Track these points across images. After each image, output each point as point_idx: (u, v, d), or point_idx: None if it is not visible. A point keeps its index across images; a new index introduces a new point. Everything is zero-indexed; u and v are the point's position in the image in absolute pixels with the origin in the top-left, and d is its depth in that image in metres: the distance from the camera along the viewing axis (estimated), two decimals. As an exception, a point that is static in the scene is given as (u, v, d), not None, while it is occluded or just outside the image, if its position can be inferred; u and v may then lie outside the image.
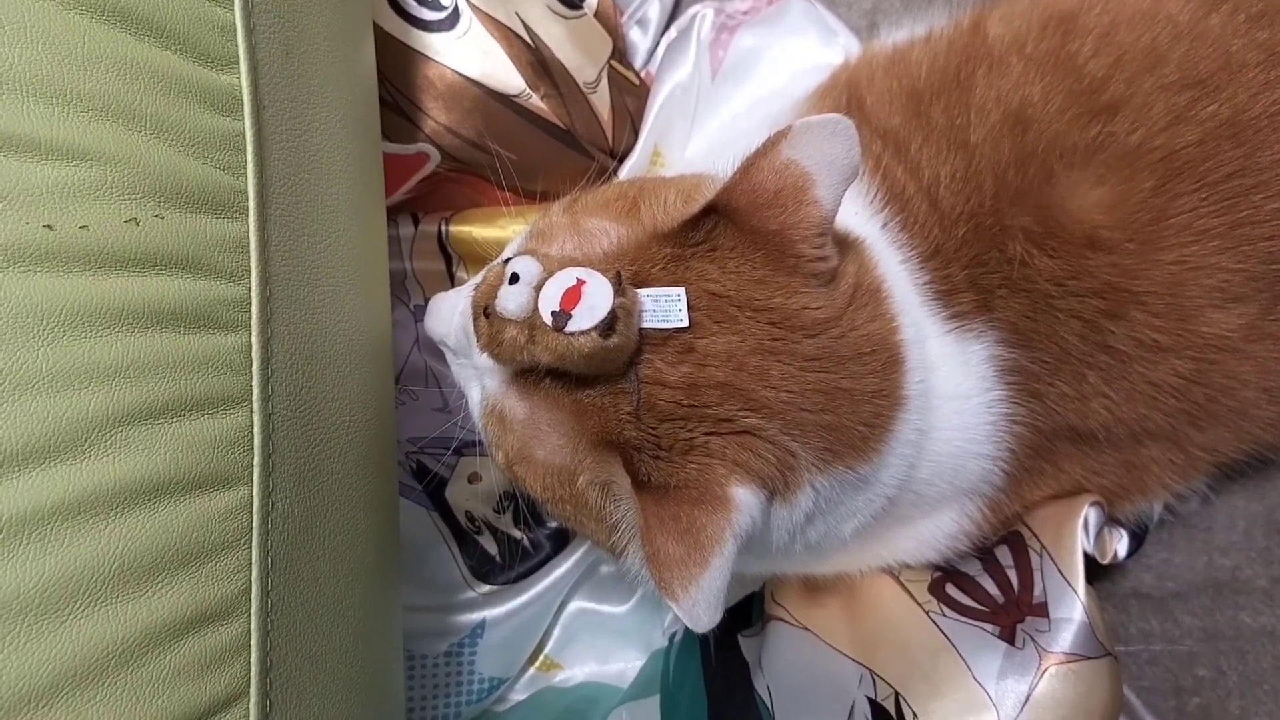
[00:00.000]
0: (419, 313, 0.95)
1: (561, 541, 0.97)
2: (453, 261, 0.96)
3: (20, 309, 0.45)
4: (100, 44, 0.49)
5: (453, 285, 0.96)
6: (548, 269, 0.57)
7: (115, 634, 0.46)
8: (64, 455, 0.46)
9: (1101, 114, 0.69)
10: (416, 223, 0.94)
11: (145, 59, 0.50)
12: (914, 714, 0.70)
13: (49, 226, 0.46)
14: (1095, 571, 0.81)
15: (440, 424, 0.94)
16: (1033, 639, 0.70)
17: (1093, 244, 0.67)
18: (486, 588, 0.97)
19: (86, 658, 0.45)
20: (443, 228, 0.94)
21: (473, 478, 0.97)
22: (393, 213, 0.93)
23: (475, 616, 0.96)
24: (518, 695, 0.99)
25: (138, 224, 0.49)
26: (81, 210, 0.47)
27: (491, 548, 0.97)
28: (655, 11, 1.04)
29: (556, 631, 1.00)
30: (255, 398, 0.53)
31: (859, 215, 0.71)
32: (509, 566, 0.97)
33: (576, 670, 1.00)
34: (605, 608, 1.00)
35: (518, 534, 0.97)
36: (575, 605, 1.00)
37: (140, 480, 0.48)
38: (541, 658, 1.00)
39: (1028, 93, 0.71)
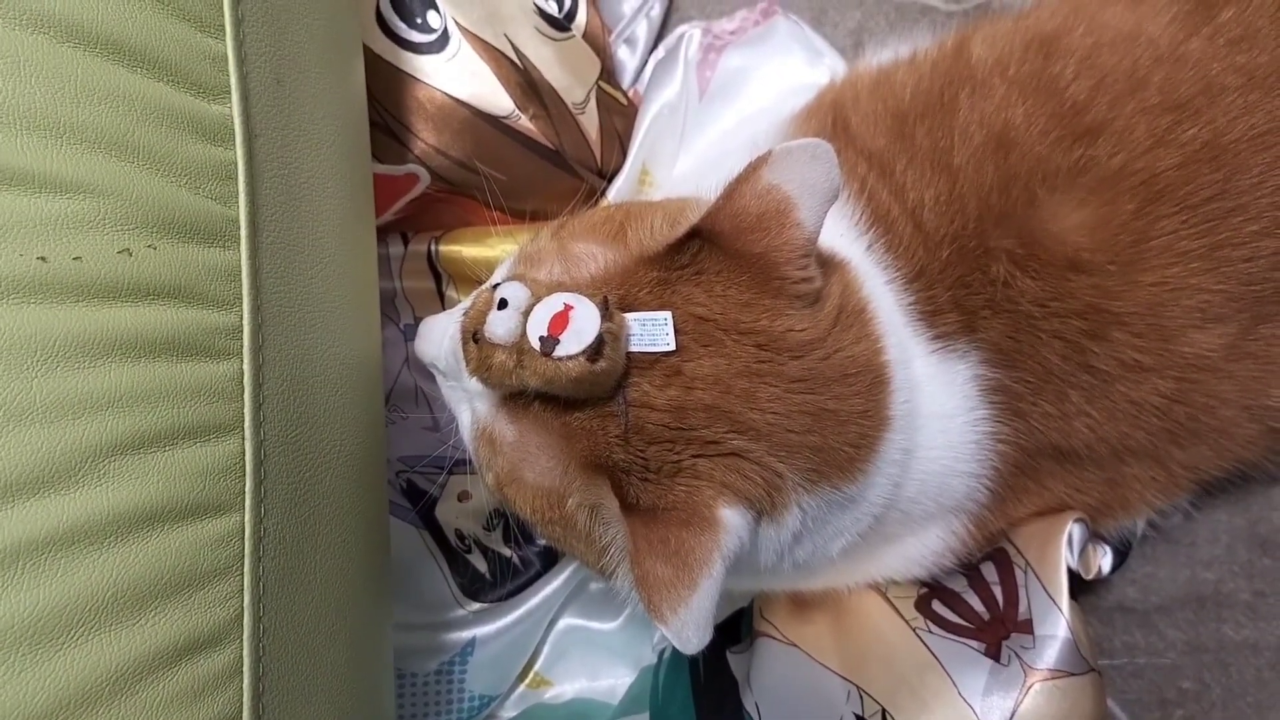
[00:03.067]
0: (409, 332, 0.96)
1: (551, 559, 0.98)
2: (442, 280, 0.96)
3: (14, 340, 0.46)
4: (93, 77, 0.49)
5: (442, 304, 0.96)
6: (535, 294, 0.57)
7: (109, 662, 0.47)
8: (58, 485, 0.46)
9: (1084, 137, 0.70)
10: (406, 242, 0.95)
11: (138, 91, 0.51)
12: (900, 731, 0.71)
13: (43, 258, 0.47)
14: (1080, 586, 0.82)
15: (430, 443, 0.94)
16: (1018, 655, 0.71)
17: (1075, 266, 0.68)
18: (476, 605, 0.97)
19: (81, 686, 0.46)
20: (432, 247, 0.94)
21: (462, 496, 0.97)
22: (382, 232, 0.94)
23: (465, 634, 0.96)
24: (508, 713, 0.99)
25: (130, 255, 0.49)
26: (75, 242, 0.48)
27: (481, 565, 0.98)
28: (643, 31, 1.05)
29: (546, 648, 1.00)
30: (247, 425, 0.54)
31: (844, 237, 0.72)
32: (499, 584, 0.97)
33: (566, 687, 1.00)
34: (595, 624, 1.00)
35: (507, 552, 0.98)
36: (565, 622, 1.00)
37: (133, 509, 0.48)
38: (531, 675, 1.01)
39: (1010, 115, 0.72)
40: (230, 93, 0.55)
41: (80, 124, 0.49)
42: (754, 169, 0.60)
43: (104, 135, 0.50)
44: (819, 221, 0.61)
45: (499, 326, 0.56)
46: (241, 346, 0.54)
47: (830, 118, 0.82)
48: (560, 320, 0.55)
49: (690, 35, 1.03)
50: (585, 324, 0.54)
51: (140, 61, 0.51)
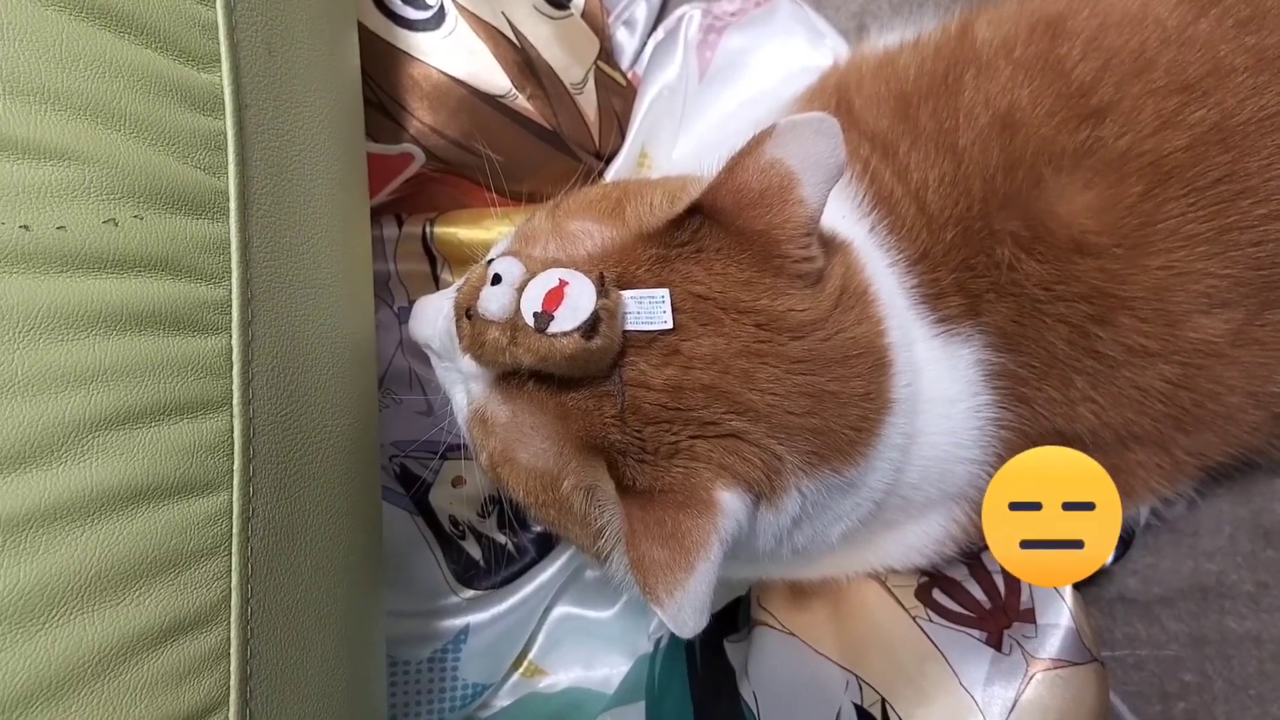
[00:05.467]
0: (403, 315, 0.95)
1: (546, 546, 0.97)
2: (437, 263, 0.95)
3: (-4, 310, 0.45)
4: (80, 42, 0.48)
5: (437, 287, 0.96)
6: (530, 270, 0.56)
7: (93, 642, 0.46)
8: (41, 460, 0.45)
9: (1090, 118, 0.69)
10: (401, 224, 0.94)
11: (125, 57, 0.50)
12: (900, 720, 0.70)
13: (25, 227, 0.46)
14: (1081, 577, 0.81)
15: (424, 428, 0.93)
16: (1020, 645, 0.70)
17: (1080, 249, 0.67)
18: (470, 593, 0.97)
19: (63, 666, 0.45)
20: (427, 229, 0.93)
21: (457, 481, 0.96)
22: (377, 213, 0.93)
23: (459, 622, 0.95)
24: (502, 701, 0.98)
25: (116, 225, 0.48)
26: (59, 210, 0.47)
27: (475, 552, 0.97)
28: (642, 12, 1.04)
29: (541, 637, 1.00)
30: (236, 402, 0.53)
31: (847, 218, 0.71)
32: (493, 571, 0.97)
33: (561, 676, 0.99)
34: (590, 613, 0.99)
35: (502, 538, 0.97)
36: (560, 610, 1.00)
37: (119, 486, 0.47)
38: (526, 663, 1.00)
39: (1016, 96, 0.71)
40: (220, 61, 0.54)
41: (66, 90, 0.48)
42: (757, 143, 0.59)
43: (90, 102, 0.48)
44: (822, 199, 0.60)
45: (492, 302, 0.55)
46: (230, 321, 0.53)
47: (833, 100, 0.81)
48: (555, 296, 0.54)
49: (690, 16, 1.02)
50: (580, 300, 0.54)
51: (128, 27, 0.50)
